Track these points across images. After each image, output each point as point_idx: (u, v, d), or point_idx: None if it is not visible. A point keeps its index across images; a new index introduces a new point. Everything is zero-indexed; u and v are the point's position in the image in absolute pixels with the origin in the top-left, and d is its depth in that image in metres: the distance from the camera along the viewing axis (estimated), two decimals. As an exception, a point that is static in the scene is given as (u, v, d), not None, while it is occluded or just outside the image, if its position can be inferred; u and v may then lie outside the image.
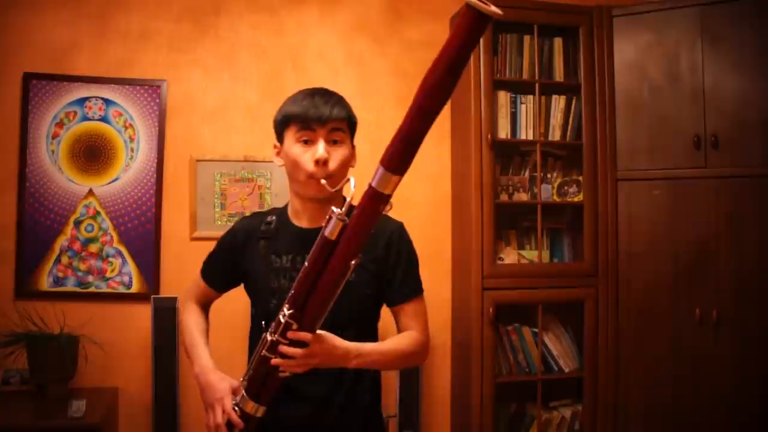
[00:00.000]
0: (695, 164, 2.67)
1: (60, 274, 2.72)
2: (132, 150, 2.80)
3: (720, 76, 2.63)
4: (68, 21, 2.78)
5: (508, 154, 2.96)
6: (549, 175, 2.94)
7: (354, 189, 1.16)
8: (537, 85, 2.86)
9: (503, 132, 2.86)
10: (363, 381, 1.42)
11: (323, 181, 1.31)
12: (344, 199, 1.42)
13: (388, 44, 3.06)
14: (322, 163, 1.34)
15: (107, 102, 2.79)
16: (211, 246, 1.62)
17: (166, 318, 2.59)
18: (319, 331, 1.20)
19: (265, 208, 2.92)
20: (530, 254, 2.91)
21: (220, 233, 2.77)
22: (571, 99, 2.91)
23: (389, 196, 1.09)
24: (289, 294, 1.19)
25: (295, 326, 1.17)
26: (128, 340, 2.74)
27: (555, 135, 2.91)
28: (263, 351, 1.21)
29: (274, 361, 1.19)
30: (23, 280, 2.69)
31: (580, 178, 2.89)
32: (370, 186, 1.09)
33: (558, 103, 2.91)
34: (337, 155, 1.37)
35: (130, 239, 2.77)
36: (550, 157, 2.97)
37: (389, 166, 1.06)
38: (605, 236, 2.83)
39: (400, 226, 1.47)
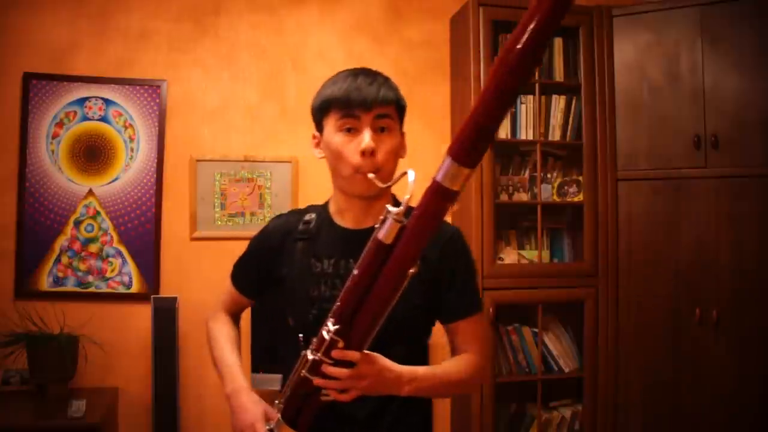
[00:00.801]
0: (695, 164, 2.66)
1: (60, 274, 2.71)
2: (132, 150, 2.80)
3: (720, 76, 2.63)
4: (68, 21, 2.78)
5: (508, 154, 2.96)
6: (549, 175, 2.94)
7: (413, 183, 1.00)
8: (537, 85, 2.86)
9: (503, 132, 2.85)
10: (414, 404, 1.24)
11: (371, 176, 1.14)
12: (393, 195, 1.30)
13: (388, 44, 3.06)
14: (368, 154, 1.16)
15: (107, 102, 2.79)
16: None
17: (166, 318, 2.59)
18: (367, 351, 1.07)
19: (265, 209, 2.96)
20: (530, 254, 2.91)
21: (220, 233, 2.83)
22: (571, 99, 2.91)
23: (457, 194, 0.93)
24: (335, 306, 1.04)
25: (341, 344, 1.03)
26: (128, 340, 2.74)
27: (555, 135, 2.91)
28: (303, 371, 1.07)
29: (317, 381, 1.05)
30: (23, 280, 2.69)
31: (580, 178, 2.89)
32: (435, 181, 0.93)
33: (558, 103, 2.91)
34: (386, 145, 1.20)
35: (130, 239, 2.77)
36: (550, 157, 2.97)
37: (459, 157, 0.90)
38: (605, 236, 2.83)
39: (457, 231, 1.30)
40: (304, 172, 2.92)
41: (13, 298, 2.66)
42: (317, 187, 2.89)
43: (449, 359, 1.28)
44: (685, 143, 2.68)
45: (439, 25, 3.08)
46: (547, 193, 2.91)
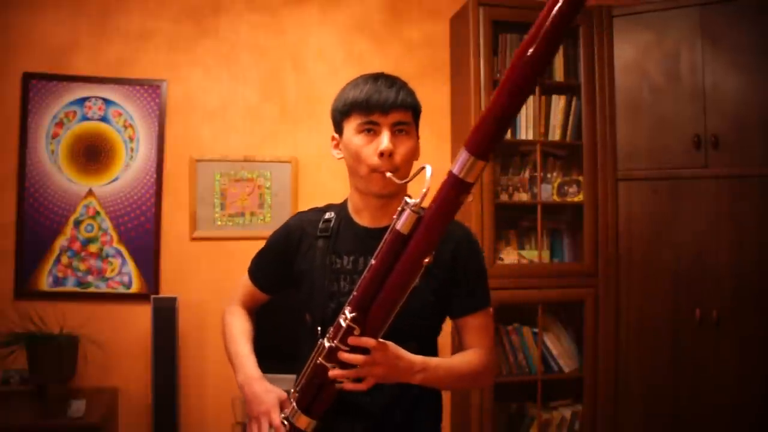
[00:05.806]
0: (695, 164, 2.66)
1: (60, 274, 2.71)
2: (132, 150, 2.80)
3: (720, 76, 2.63)
4: (68, 21, 2.78)
5: (508, 154, 2.96)
6: (549, 175, 2.94)
7: (430, 179, 1.06)
8: (537, 85, 2.86)
9: (503, 132, 2.85)
10: (425, 398, 1.30)
11: (389, 174, 1.21)
12: (408, 196, 1.33)
13: (388, 44, 3.06)
14: (387, 155, 1.22)
15: (107, 102, 2.79)
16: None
17: (166, 318, 2.59)
18: (382, 340, 1.11)
19: (265, 209, 2.96)
20: (530, 254, 2.91)
21: (220, 233, 2.84)
22: (571, 99, 2.90)
23: (472, 185, 1.00)
24: (352, 296, 1.10)
25: (357, 331, 1.08)
26: (128, 340, 2.74)
27: (555, 135, 2.91)
28: (319, 359, 1.12)
29: (332, 372, 1.10)
30: (23, 280, 2.68)
31: (580, 178, 2.89)
32: (451, 173, 1.00)
33: (558, 103, 2.91)
34: (403, 147, 1.26)
35: (129, 239, 2.77)
36: (550, 157, 2.96)
37: (476, 150, 0.97)
38: (605, 236, 2.83)
39: (469, 232, 1.37)
40: (304, 172, 2.92)
41: (12, 298, 2.66)
42: (317, 187, 2.90)
43: (461, 352, 1.33)
44: (685, 143, 2.68)
45: (439, 25, 3.08)
46: (547, 193, 2.91)
